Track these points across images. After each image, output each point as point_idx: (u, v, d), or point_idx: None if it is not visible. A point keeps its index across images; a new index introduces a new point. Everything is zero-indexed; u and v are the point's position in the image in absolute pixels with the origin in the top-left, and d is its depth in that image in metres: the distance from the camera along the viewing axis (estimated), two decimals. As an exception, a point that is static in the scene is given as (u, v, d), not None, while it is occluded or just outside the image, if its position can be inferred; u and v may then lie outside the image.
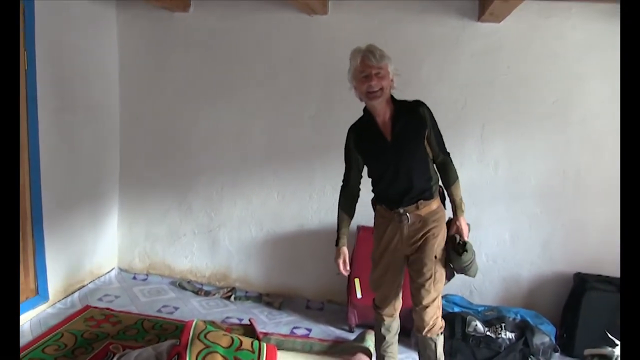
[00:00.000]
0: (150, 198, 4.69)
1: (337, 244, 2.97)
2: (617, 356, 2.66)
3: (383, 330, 3.05)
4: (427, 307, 2.79)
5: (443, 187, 2.90)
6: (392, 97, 2.78)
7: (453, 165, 2.87)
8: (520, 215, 4.01)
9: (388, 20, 3.96)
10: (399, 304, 3.04)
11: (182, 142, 4.55)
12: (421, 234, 2.78)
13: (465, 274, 2.84)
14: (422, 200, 2.76)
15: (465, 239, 2.84)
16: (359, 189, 2.95)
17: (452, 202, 2.88)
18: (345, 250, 2.96)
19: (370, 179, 2.91)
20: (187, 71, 4.45)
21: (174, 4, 4.14)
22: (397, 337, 3.10)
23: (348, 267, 2.96)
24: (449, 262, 2.83)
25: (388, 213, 2.84)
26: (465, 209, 2.85)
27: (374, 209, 2.98)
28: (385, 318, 3.03)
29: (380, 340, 3.10)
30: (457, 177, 2.86)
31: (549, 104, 3.88)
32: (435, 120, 2.79)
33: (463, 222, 2.88)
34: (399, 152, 2.72)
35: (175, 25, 4.39)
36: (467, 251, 2.75)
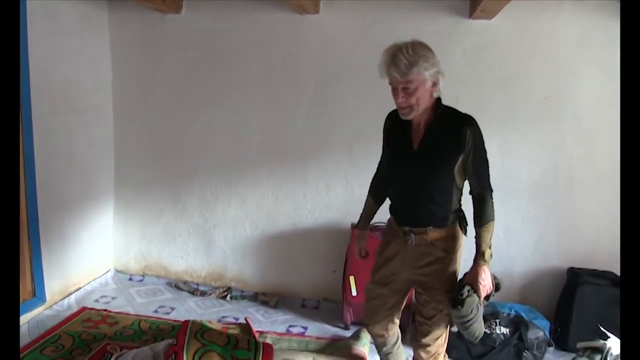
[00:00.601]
0: (145, 199, 4.70)
1: (357, 225, 2.86)
2: (610, 348, 2.69)
3: (376, 346, 2.89)
4: (428, 345, 2.59)
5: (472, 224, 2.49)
6: (438, 100, 2.41)
7: (492, 203, 2.40)
8: (513, 211, 4.03)
9: (379, 18, 3.97)
10: (392, 327, 2.77)
11: (176, 143, 4.56)
12: (427, 260, 2.47)
13: (464, 334, 2.48)
14: (431, 227, 2.43)
15: (482, 295, 2.36)
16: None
17: (477, 246, 2.41)
18: (364, 234, 2.84)
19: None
20: (180, 72, 4.46)
21: (166, 6, 4.14)
22: (397, 345, 2.86)
23: (365, 254, 2.85)
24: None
25: (396, 226, 2.57)
26: (490, 259, 2.38)
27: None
28: (375, 337, 2.83)
29: (378, 349, 2.91)
30: (492, 219, 2.39)
31: (540, 100, 3.90)
32: (481, 147, 2.36)
33: (483, 274, 2.37)
34: (420, 166, 2.38)
35: (168, 27, 4.40)
36: (462, 306, 2.31)
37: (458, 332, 2.86)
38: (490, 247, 2.39)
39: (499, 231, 3.93)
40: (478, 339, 2.49)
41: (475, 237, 2.41)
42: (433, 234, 2.43)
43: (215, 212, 4.56)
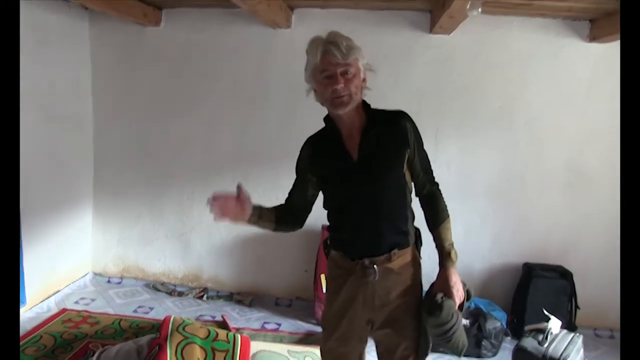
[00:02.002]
0: (123, 203, 4.84)
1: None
2: (550, 328, 3.01)
3: None
4: None
5: (426, 229, 2.21)
6: (364, 103, 2.10)
7: (443, 198, 2.18)
8: (472, 211, 4.32)
9: (347, 31, 4.09)
10: None
11: (154, 150, 4.72)
12: (395, 294, 2.10)
13: (447, 347, 2.23)
14: (396, 249, 2.08)
15: (456, 301, 2.07)
16: (304, 215, 2.29)
17: (440, 248, 2.13)
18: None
19: (327, 213, 2.24)
20: (158, 82, 4.63)
21: (145, 19, 4.31)
22: None
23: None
24: (422, 329, 2.12)
25: (347, 263, 2.12)
26: (456, 259, 2.12)
27: (326, 255, 2.28)
28: None
29: None
30: (448, 215, 2.16)
31: (495, 108, 4.21)
32: (421, 138, 2.13)
33: (453, 277, 2.09)
34: (367, 177, 2.04)
35: (147, 39, 4.58)
36: (441, 310, 1.99)
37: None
38: (453, 247, 2.13)
39: (459, 230, 4.17)
40: (463, 352, 2.15)
41: (436, 240, 2.15)
42: (398, 260, 2.09)
43: (191, 216, 4.73)
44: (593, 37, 4.00)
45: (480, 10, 2.63)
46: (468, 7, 2.62)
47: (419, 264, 2.18)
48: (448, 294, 2.06)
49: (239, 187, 2.14)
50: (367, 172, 2.04)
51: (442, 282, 2.09)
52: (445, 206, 2.17)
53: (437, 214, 2.15)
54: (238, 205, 2.12)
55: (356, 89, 1.98)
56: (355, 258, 2.09)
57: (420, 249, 2.21)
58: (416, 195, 2.19)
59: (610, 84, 3.98)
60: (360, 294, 2.10)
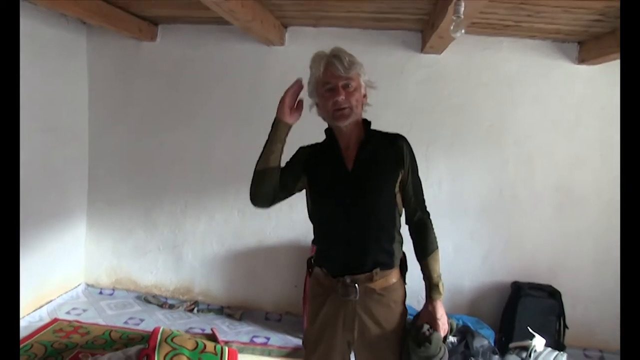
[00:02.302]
0: (116, 216, 4.88)
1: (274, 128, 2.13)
2: (534, 346, 3.03)
3: None
4: None
5: (412, 257, 2.19)
6: (364, 121, 2.16)
7: (433, 229, 2.16)
8: (462, 229, 4.35)
9: None
10: None
11: (148, 163, 4.77)
12: (376, 316, 2.08)
13: None
14: (378, 269, 2.05)
15: (442, 334, 2.07)
16: (276, 194, 2.15)
17: (428, 279, 2.12)
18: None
19: (313, 226, 2.23)
20: (153, 96, 4.70)
21: (142, 34, 4.39)
22: None
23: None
24: (405, 356, 2.09)
25: (328, 281, 2.11)
26: (443, 290, 2.12)
27: (309, 272, 2.27)
28: None
29: None
30: (437, 247, 2.14)
31: (485, 127, 4.26)
32: (416, 164, 2.15)
33: (440, 309, 2.09)
34: (359, 187, 2.06)
35: (143, 54, 4.66)
36: (430, 343, 1.99)
37: None
38: (440, 278, 2.12)
39: (449, 248, 4.29)
40: None
41: (423, 270, 2.14)
42: (380, 280, 2.07)
43: (184, 229, 4.77)
44: (582, 59, 4.06)
45: (463, 31, 2.69)
46: (451, 28, 2.68)
47: (404, 288, 2.17)
48: (434, 326, 2.06)
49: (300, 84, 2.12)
50: (359, 183, 2.05)
51: (429, 314, 2.09)
52: (435, 237, 2.16)
53: (426, 244, 2.13)
54: (297, 107, 2.12)
55: (357, 103, 2.03)
56: (337, 275, 2.07)
57: (405, 273, 2.19)
58: (406, 222, 2.19)
59: (599, 105, 4.05)
60: (341, 313, 2.08)
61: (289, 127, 2.10)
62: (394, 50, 4.27)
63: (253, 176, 2.12)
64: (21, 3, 3.29)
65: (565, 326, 4.03)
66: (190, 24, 4.49)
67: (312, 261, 2.25)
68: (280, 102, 2.09)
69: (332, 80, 2.01)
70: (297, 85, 2.09)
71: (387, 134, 2.15)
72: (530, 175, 4.25)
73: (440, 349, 2.01)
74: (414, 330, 2.07)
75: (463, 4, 2.54)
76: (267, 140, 2.11)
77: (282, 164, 2.15)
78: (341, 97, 1.99)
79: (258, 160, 2.12)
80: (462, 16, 2.57)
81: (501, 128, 4.25)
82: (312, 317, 2.19)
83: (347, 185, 2.06)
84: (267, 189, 2.11)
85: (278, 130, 2.08)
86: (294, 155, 2.21)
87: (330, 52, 2.06)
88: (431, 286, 2.10)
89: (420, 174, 2.17)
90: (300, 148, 2.23)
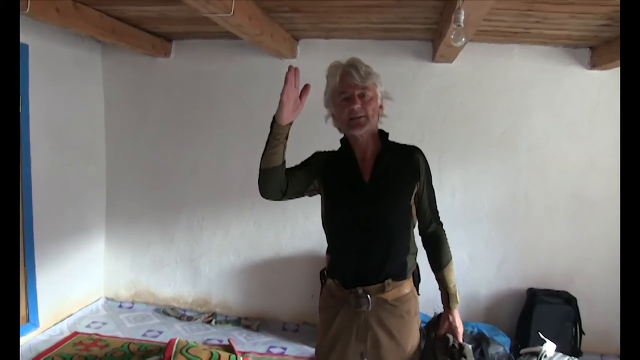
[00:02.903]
0: (134, 230, 4.95)
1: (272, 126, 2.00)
2: (545, 351, 3.02)
3: None
4: None
5: (428, 268, 2.21)
6: (380, 132, 2.15)
7: (446, 239, 2.20)
8: (476, 237, 4.35)
9: None
10: None
11: (164, 178, 4.84)
12: (388, 327, 2.07)
13: None
14: (390, 280, 2.05)
15: (460, 340, 2.14)
16: (284, 190, 2.09)
17: (445, 289, 2.16)
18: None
19: (325, 235, 2.25)
20: (169, 112, 4.77)
21: (155, 50, 4.47)
22: None
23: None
24: None
25: (341, 292, 2.10)
26: (459, 298, 2.19)
27: (322, 283, 2.28)
28: None
29: None
30: (451, 257, 2.18)
31: (498, 135, 4.26)
32: (431, 176, 2.16)
33: (457, 318, 2.16)
34: (375, 200, 2.05)
35: (157, 70, 4.73)
36: (465, 357, 2.05)
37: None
38: (456, 287, 2.17)
39: (464, 257, 4.29)
40: None
41: (440, 281, 2.17)
42: (393, 291, 2.06)
43: (201, 242, 4.82)
44: (593, 65, 4.05)
45: (464, 40, 2.71)
46: (452, 37, 2.70)
47: (416, 299, 2.17)
48: (455, 334, 2.12)
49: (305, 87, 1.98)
50: (376, 195, 2.04)
51: (449, 323, 2.14)
52: (449, 247, 2.18)
53: (442, 256, 2.16)
54: (296, 102, 1.97)
55: (373, 112, 2.02)
56: (349, 286, 2.06)
57: (418, 285, 2.20)
58: (420, 233, 2.20)
59: (612, 110, 4.01)
60: (354, 324, 2.07)
61: (289, 125, 2.01)
62: (405, 60, 4.30)
63: (258, 174, 2.07)
64: (34, 22, 3.36)
65: (582, 332, 4.01)
66: (203, 39, 4.55)
67: (325, 273, 2.25)
68: (279, 103, 1.94)
69: (348, 90, 2.01)
70: (291, 75, 1.91)
71: (403, 145, 2.16)
72: (544, 182, 4.24)
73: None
74: (441, 343, 2.12)
75: (463, 12, 2.55)
76: (267, 140, 2.01)
77: (299, 163, 2.18)
78: (357, 106, 1.98)
79: (261, 159, 2.04)
80: (463, 25, 2.58)
81: (514, 135, 4.25)
82: (324, 329, 2.17)
83: (363, 197, 2.05)
84: (274, 186, 2.06)
85: (278, 133, 1.99)
86: (309, 159, 2.22)
87: (347, 62, 2.06)
88: (449, 296, 2.14)
89: (433, 183, 2.18)
90: (317, 153, 2.23)
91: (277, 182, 2.04)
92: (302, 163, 2.20)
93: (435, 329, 2.19)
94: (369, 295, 2.03)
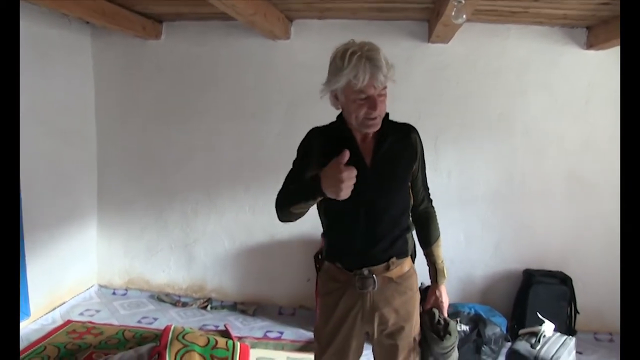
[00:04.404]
0: (127, 216, 4.89)
1: (314, 180, 1.81)
2: (543, 331, 3.03)
3: None
4: None
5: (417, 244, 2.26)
6: None
7: (436, 216, 2.25)
8: (473, 218, 4.34)
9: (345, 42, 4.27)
10: None
11: (157, 162, 4.78)
12: (394, 305, 2.07)
13: None
14: (394, 258, 2.05)
15: (445, 315, 2.21)
16: None
17: (433, 264, 2.22)
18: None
19: (322, 221, 2.19)
20: (160, 95, 4.70)
21: (146, 32, 4.38)
22: None
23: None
24: (424, 344, 2.16)
25: (344, 275, 2.08)
26: (448, 274, 2.27)
27: (318, 268, 2.37)
28: None
29: None
30: (440, 234, 2.23)
31: (494, 116, 4.24)
32: (424, 154, 2.16)
33: (444, 293, 2.23)
34: (379, 184, 2.01)
35: (148, 52, 4.65)
36: (450, 334, 2.11)
37: None
38: (444, 263, 2.23)
39: (460, 237, 4.29)
40: None
41: (428, 256, 2.23)
42: (396, 269, 2.07)
43: (195, 227, 4.78)
44: (590, 44, 4.03)
45: (464, 17, 2.67)
46: (453, 14, 2.66)
47: (416, 274, 2.18)
48: (441, 309, 2.20)
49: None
50: (379, 179, 2.00)
51: (436, 299, 2.22)
52: (438, 224, 2.25)
53: (431, 232, 2.22)
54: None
55: (384, 107, 1.95)
56: (353, 268, 2.04)
57: (414, 259, 2.21)
58: (412, 210, 2.19)
59: (609, 90, 4.00)
60: (359, 306, 2.06)
61: None
62: (400, 40, 4.25)
63: (281, 207, 1.98)
64: (22, 4, 3.25)
65: (577, 311, 4.04)
66: (195, 20, 4.46)
67: (320, 257, 2.23)
68: (336, 179, 1.72)
69: (369, 92, 1.85)
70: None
71: (400, 124, 2.11)
72: (540, 162, 4.23)
73: (457, 336, 2.15)
74: (427, 317, 2.17)
75: (464, -12, 2.52)
76: (304, 191, 1.87)
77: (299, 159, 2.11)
78: (377, 111, 1.88)
79: (290, 198, 1.93)
80: (463, 1, 2.54)
81: (510, 116, 4.22)
82: (327, 313, 2.13)
83: (366, 181, 1.91)
84: (295, 219, 1.99)
85: (317, 198, 1.84)
86: (303, 152, 2.10)
87: (370, 58, 1.84)
88: (437, 271, 2.22)
89: (429, 164, 2.20)
90: (311, 137, 2.11)
91: (300, 217, 1.98)
92: (303, 162, 2.07)
93: (422, 303, 2.23)
94: (374, 276, 2.02)
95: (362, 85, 1.83)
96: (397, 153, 2.04)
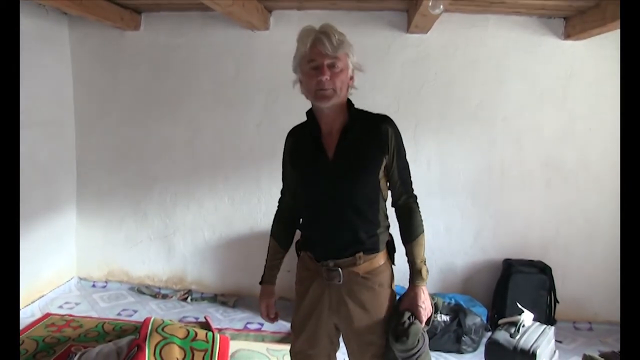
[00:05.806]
0: (106, 208, 4.85)
1: (261, 280, 2.34)
2: (523, 321, 3.05)
3: None
4: None
5: (398, 240, 2.15)
6: (349, 102, 2.05)
7: (419, 211, 2.10)
8: (453, 208, 4.36)
9: None
10: None
11: (136, 153, 4.74)
12: (361, 299, 2.04)
13: None
14: (361, 253, 2.01)
15: (424, 320, 2.04)
16: (297, 216, 2.24)
17: (411, 263, 2.07)
18: (270, 290, 2.33)
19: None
20: (139, 85, 4.66)
21: (124, 23, 4.33)
22: None
23: (273, 315, 2.31)
24: (387, 345, 2.05)
25: (314, 264, 2.09)
26: (427, 276, 2.07)
27: (298, 255, 2.25)
28: None
29: None
30: (423, 231, 2.08)
31: (473, 105, 4.25)
32: (403, 147, 2.06)
33: (422, 295, 2.05)
34: (340, 178, 1.98)
35: (127, 43, 4.60)
36: (408, 337, 1.94)
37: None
38: (425, 263, 2.07)
39: (440, 227, 4.30)
40: None
41: (408, 254, 2.09)
42: (364, 264, 2.02)
43: (174, 218, 4.75)
44: (567, 35, 4.05)
45: (442, 8, 2.67)
46: (430, 4, 2.66)
47: (391, 270, 2.12)
48: (415, 312, 2.02)
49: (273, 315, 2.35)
50: (339, 173, 1.98)
51: (410, 300, 2.05)
52: (421, 221, 2.10)
53: (411, 228, 2.08)
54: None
55: (342, 85, 1.93)
56: (321, 260, 2.04)
57: (393, 256, 2.14)
58: (392, 204, 2.14)
59: (586, 79, 4.05)
60: (326, 297, 2.06)
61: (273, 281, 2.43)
62: (379, 30, 4.24)
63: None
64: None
65: (556, 301, 4.07)
66: (174, 11, 4.42)
67: (300, 244, 2.22)
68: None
69: (317, 58, 1.90)
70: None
71: (371, 115, 2.06)
72: (519, 151, 4.25)
73: (418, 341, 1.96)
74: (395, 319, 2.03)
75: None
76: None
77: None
78: (325, 77, 1.88)
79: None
80: (440, -8, 2.54)
81: (489, 106, 4.24)
82: (298, 300, 2.17)
83: (327, 175, 1.99)
84: (292, 237, 2.38)
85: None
86: (284, 154, 2.22)
87: (319, 28, 1.93)
88: (414, 271, 2.06)
89: (409, 154, 2.10)
90: (286, 140, 2.21)
91: (292, 236, 2.36)
92: (284, 166, 2.25)
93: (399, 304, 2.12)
94: (340, 269, 2.01)
95: (308, 51, 1.90)
96: (362, 145, 1.99)
